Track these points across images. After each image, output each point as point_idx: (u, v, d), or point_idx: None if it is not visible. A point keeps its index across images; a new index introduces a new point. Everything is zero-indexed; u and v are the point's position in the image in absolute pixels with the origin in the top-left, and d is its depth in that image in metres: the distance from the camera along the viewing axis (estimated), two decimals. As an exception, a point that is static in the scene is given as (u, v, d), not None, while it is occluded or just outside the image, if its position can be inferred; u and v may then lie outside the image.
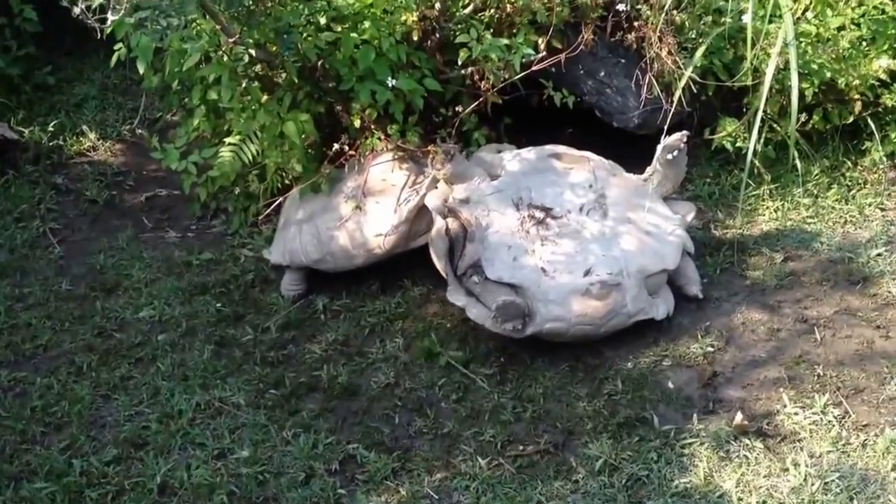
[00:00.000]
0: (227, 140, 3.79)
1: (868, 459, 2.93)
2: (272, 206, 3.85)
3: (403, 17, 3.68)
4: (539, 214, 3.49)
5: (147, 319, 3.81)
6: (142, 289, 3.99)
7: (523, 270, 3.37)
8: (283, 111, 3.62)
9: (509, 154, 3.71)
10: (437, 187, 3.62)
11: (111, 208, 4.56)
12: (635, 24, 3.91)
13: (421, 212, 3.63)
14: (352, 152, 3.71)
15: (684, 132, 3.62)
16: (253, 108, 3.65)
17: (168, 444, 3.23)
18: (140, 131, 4.84)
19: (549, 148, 3.73)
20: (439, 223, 3.43)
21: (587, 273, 3.35)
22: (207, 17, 3.41)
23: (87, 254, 4.25)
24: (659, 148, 3.62)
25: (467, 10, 3.75)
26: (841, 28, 3.99)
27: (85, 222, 4.47)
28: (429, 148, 3.62)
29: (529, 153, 3.70)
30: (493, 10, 3.78)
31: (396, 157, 3.69)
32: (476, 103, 3.80)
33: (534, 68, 3.76)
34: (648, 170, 3.71)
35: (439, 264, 3.46)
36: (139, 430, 3.30)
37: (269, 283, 3.96)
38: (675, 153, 3.58)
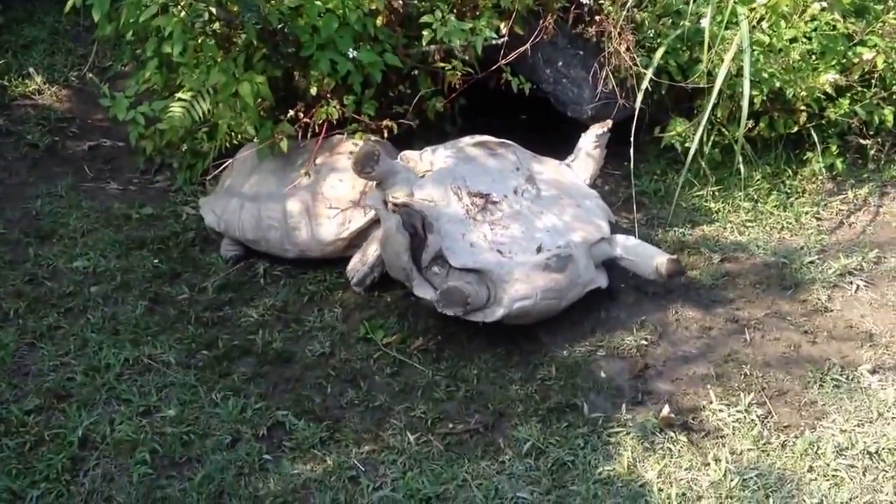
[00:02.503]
0: (179, 95, 3.73)
1: (787, 459, 3.00)
2: (221, 169, 3.80)
3: (372, 4, 3.64)
4: (479, 201, 3.51)
5: (80, 270, 3.75)
6: (77, 238, 3.92)
7: (483, 255, 3.38)
8: (239, 71, 3.56)
9: (431, 151, 3.69)
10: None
11: (52, 154, 4.47)
12: (596, 18, 3.94)
13: (365, 230, 3.66)
14: (306, 119, 3.68)
15: (608, 120, 3.77)
16: (207, 65, 3.59)
17: (92, 397, 3.18)
18: (90, 76, 4.74)
19: (471, 138, 3.75)
20: (393, 220, 3.35)
21: (539, 250, 3.40)
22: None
23: (23, 198, 4.16)
24: (586, 135, 3.75)
25: (433, -12, 3.74)
26: (793, 40, 4.07)
27: (24, 166, 4.37)
28: (354, 142, 3.61)
29: (457, 144, 3.72)
30: (458, -9, 3.78)
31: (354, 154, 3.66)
32: (448, 99, 3.89)
33: (501, 62, 3.80)
34: (570, 157, 3.82)
35: (400, 260, 3.37)
36: (63, 381, 3.24)
37: (209, 242, 3.91)
38: (601, 133, 3.72)
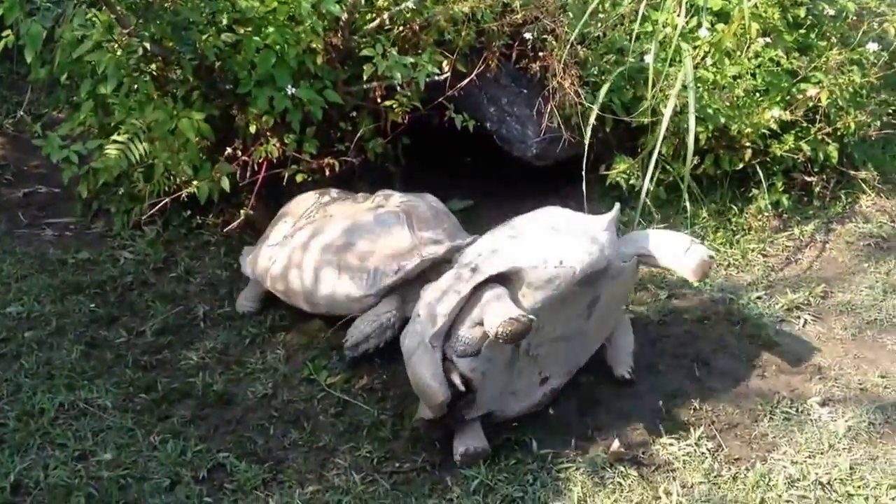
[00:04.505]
0: (114, 137, 3.65)
1: (738, 492, 2.94)
2: (157, 207, 3.73)
3: (311, 42, 3.62)
4: None
5: (14, 315, 3.63)
6: (11, 284, 3.81)
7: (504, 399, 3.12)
8: (177, 109, 3.51)
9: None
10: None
11: (-15, 202, 4.37)
12: (540, 54, 3.96)
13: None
14: (245, 158, 3.63)
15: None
16: (143, 102, 3.53)
17: (26, 442, 3.05)
18: (21, 113, 4.66)
19: None
20: (443, 396, 2.90)
21: (543, 381, 3.20)
22: (103, 7, 3.30)
23: (-45, 246, 4.05)
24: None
25: (373, 25, 3.72)
26: (737, 77, 4.11)
27: (-44, 214, 4.27)
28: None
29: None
30: (399, 28, 3.76)
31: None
32: (390, 138, 3.78)
33: (448, 92, 3.78)
34: None
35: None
36: (-5, 427, 3.12)
37: (147, 285, 3.82)
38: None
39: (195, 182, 3.66)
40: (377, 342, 3.37)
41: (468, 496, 2.90)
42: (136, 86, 3.54)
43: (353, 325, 3.39)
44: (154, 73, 3.61)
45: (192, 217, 4.08)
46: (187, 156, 3.61)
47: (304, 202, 3.66)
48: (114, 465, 2.97)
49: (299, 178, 3.68)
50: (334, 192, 3.71)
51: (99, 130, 3.90)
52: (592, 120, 3.87)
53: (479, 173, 4.51)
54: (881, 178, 4.59)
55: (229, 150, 3.61)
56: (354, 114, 3.82)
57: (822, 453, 3.09)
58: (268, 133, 3.59)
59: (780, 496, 2.91)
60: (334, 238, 3.43)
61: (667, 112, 3.77)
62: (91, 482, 2.90)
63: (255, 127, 3.59)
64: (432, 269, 3.34)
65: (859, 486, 2.94)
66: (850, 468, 3.01)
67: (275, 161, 3.63)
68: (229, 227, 3.65)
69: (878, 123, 4.42)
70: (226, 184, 3.61)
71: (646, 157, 3.99)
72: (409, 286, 3.38)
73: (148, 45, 3.38)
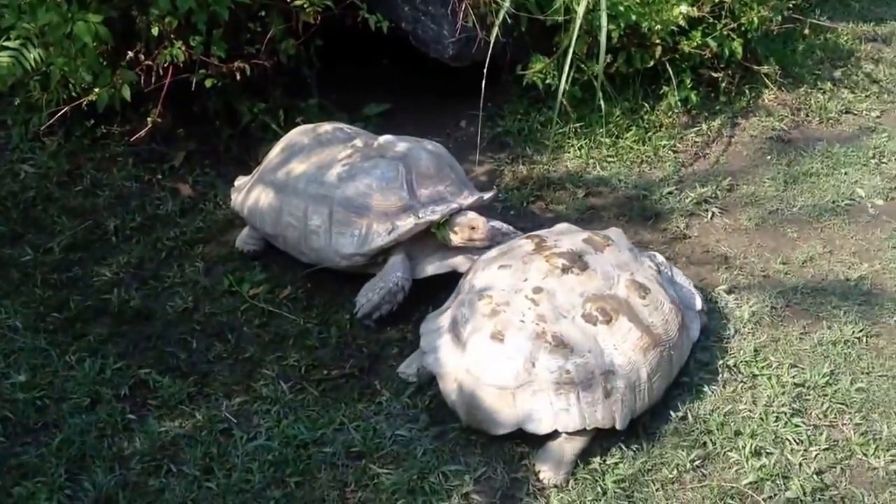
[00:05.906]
0: (5, 43, 3.43)
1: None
2: (56, 117, 3.54)
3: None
4: None
5: None
6: None
7: None
8: (72, 11, 3.30)
9: None
10: None
11: None
12: (453, -51, 3.86)
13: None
14: (148, 62, 3.46)
15: None
16: (33, 3, 3.31)
17: (-67, 368, 2.93)
18: None
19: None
20: None
21: None
22: None
23: None
24: None
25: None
26: (647, -28, 4.10)
27: None
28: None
29: None
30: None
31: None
32: (302, 40, 3.63)
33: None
34: None
35: None
36: None
37: (52, 200, 3.67)
38: None
39: (95, 90, 3.48)
40: (390, 307, 3.20)
41: (397, 398, 2.92)
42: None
43: (361, 294, 3.22)
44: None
45: (95, 127, 3.90)
46: (85, 62, 3.41)
47: (300, 137, 3.43)
48: (29, 386, 2.89)
49: (208, 83, 3.54)
50: (331, 127, 3.48)
51: (-13, 37, 3.65)
52: (503, 15, 3.81)
53: (396, 76, 4.42)
54: (783, 72, 4.69)
55: (131, 54, 3.43)
56: (264, 13, 3.66)
57: (728, 338, 3.20)
58: (172, 35, 3.42)
59: (690, 379, 3.01)
60: (327, 186, 3.22)
61: (580, 9, 3.75)
62: (6, 405, 2.82)
63: (157, 29, 3.41)
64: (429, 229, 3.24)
65: (763, 367, 3.08)
66: (755, 351, 3.14)
67: (181, 65, 3.48)
68: (136, 136, 3.49)
69: (780, 18, 4.50)
70: (127, 92, 3.44)
71: (561, 56, 3.97)
72: (412, 244, 3.25)
73: (36, -60, 3.16)
